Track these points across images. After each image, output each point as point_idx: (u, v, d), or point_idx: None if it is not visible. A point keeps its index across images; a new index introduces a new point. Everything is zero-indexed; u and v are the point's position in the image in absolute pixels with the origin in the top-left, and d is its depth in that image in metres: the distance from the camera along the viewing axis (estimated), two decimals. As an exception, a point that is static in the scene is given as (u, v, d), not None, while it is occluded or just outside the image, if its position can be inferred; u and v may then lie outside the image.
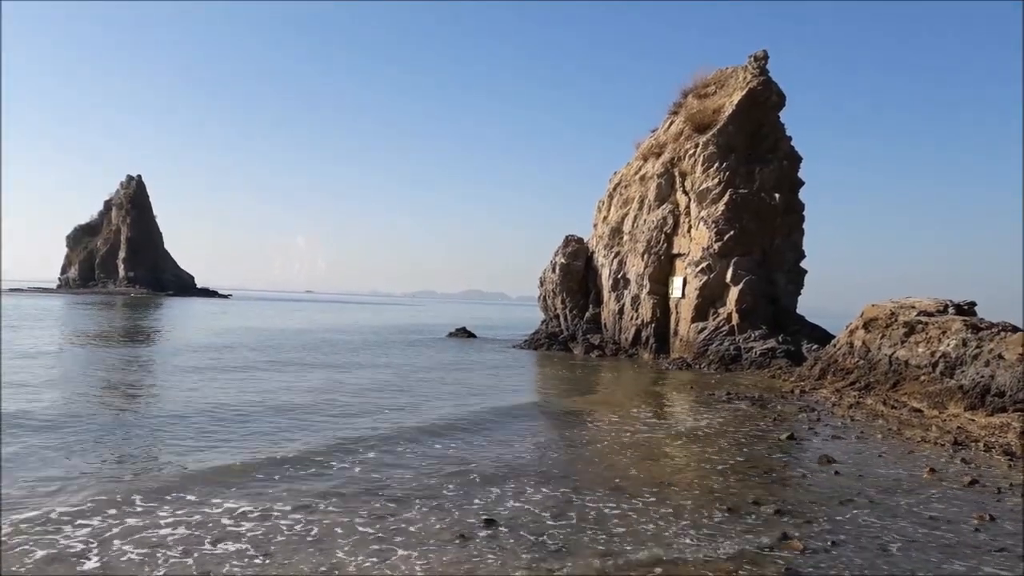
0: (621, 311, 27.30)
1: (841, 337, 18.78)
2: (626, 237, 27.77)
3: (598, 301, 28.94)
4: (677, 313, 25.09)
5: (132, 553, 5.04)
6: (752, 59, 25.35)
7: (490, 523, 5.92)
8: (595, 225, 30.80)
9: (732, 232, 23.83)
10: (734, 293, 23.32)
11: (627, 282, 27.21)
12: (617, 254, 27.93)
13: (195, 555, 5.05)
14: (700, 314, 24.31)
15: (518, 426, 11.22)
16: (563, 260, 30.21)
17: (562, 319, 30.24)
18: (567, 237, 30.97)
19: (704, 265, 24.11)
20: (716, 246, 23.99)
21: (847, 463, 8.65)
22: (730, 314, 23.42)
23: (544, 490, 7.11)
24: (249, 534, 5.50)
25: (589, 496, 6.91)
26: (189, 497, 6.41)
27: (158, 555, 5.01)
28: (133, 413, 11.13)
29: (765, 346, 21.92)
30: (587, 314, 29.04)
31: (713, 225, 24.10)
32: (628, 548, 5.46)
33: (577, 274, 30.04)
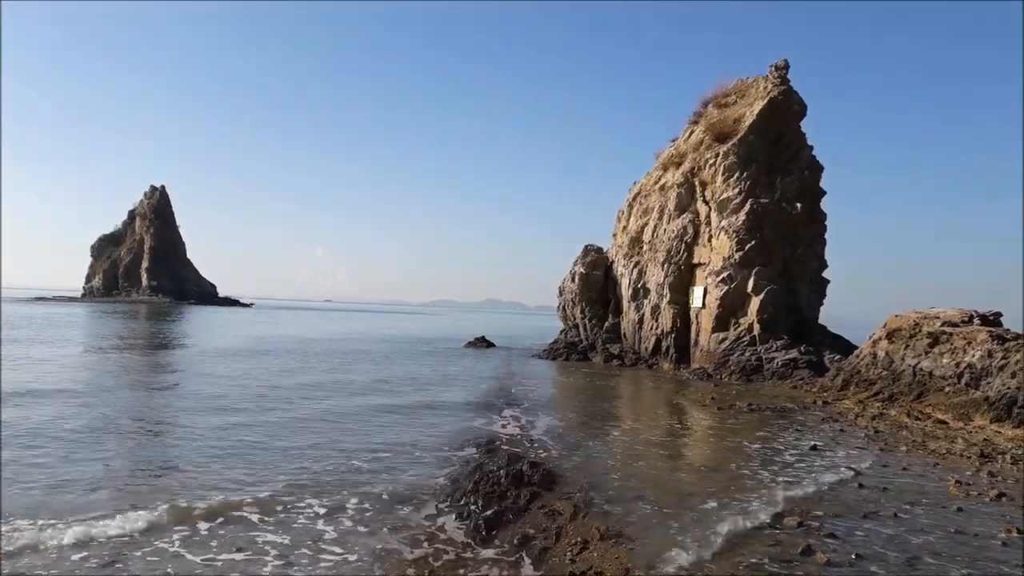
0: (641, 321, 27.28)
1: (864, 347, 18.60)
2: (646, 247, 27.78)
3: (617, 311, 28.95)
4: (697, 323, 24.99)
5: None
6: (773, 68, 25.33)
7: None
8: (615, 235, 30.89)
9: (753, 242, 23.71)
10: (755, 303, 23.19)
11: (647, 291, 27.19)
12: (637, 263, 27.93)
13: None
14: (721, 324, 24.17)
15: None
16: (582, 270, 30.33)
17: (581, 328, 30.31)
18: (586, 247, 31.14)
19: (725, 275, 23.99)
20: (737, 256, 23.88)
21: (871, 475, 8.61)
22: (751, 324, 23.28)
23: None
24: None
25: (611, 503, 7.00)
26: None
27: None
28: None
29: (787, 356, 21.72)
30: (606, 323, 29.06)
31: (734, 235, 24.02)
32: (651, 555, 5.54)
33: (596, 284, 30.07)
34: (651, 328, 26.80)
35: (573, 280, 30.61)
